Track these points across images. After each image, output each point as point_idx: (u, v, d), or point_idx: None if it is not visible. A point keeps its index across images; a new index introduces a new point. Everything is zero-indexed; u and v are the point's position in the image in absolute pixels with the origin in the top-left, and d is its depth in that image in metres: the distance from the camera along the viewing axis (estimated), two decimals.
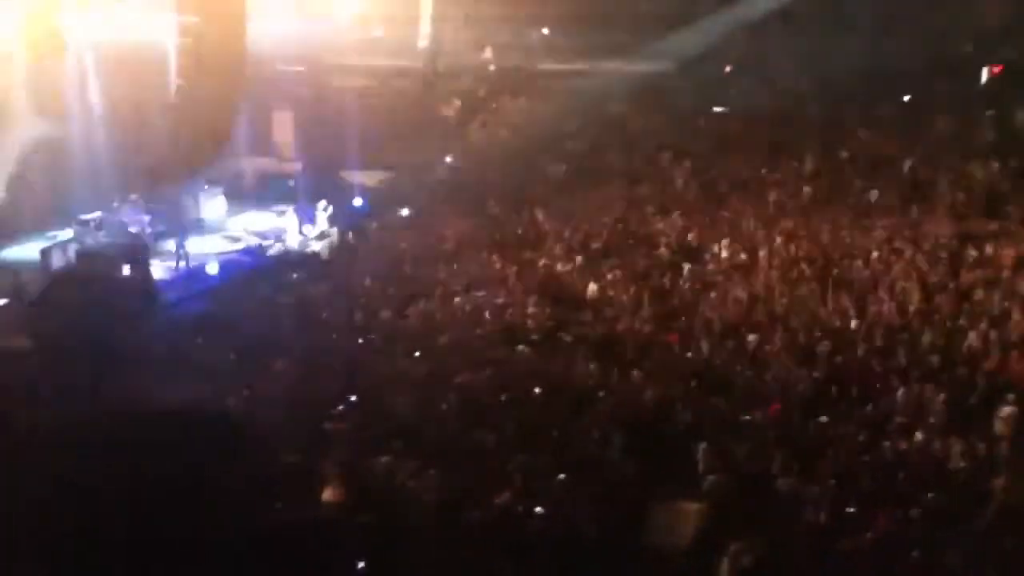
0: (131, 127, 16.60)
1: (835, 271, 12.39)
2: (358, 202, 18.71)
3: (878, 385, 9.07)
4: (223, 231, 17.59)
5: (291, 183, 19.29)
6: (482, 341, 10.57)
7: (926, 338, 10.04)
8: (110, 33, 15.35)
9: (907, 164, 17.00)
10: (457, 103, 22.70)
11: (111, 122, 16.35)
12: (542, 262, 13.63)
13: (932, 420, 8.33)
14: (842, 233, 14.03)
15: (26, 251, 15.19)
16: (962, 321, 10.42)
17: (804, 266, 12.65)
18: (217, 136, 15.78)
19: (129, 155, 16.48)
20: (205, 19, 14.09)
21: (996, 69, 21.18)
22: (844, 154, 17.96)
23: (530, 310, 11.49)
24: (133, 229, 16.25)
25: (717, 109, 21.47)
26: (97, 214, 16.07)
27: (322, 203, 17.20)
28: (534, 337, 10.70)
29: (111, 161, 16.41)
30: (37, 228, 15.56)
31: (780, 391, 8.94)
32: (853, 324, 10.59)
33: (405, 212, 17.95)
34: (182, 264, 15.23)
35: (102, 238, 15.64)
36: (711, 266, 13.22)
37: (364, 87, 21.19)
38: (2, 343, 9.75)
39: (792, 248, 13.46)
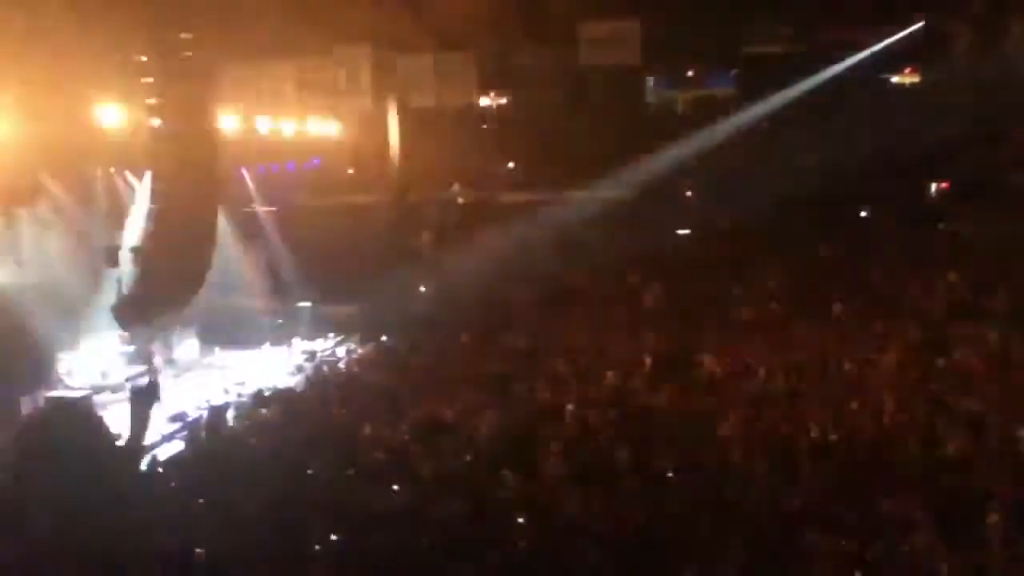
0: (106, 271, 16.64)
1: (806, 384, 12.53)
2: (331, 336, 18.78)
3: (862, 497, 9.02)
4: (197, 372, 17.49)
5: (262, 320, 19.35)
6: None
7: (906, 448, 10.07)
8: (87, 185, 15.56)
9: (871, 275, 17.54)
10: (427, 235, 23.24)
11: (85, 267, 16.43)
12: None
13: (918, 531, 8.26)
14: (812, 345, 14.26)
15: None
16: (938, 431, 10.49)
17: (780, 379, 12.76)
18: (189, 277, 15.96)
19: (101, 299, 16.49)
20: (177, 168, 14.49)
21: (944, 184, 22.29)
22: (809, 271, 18.48)
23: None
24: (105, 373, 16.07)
25: (680, 232, 22.17)
26: (73, 356, 15.92)
27: (295, 339, 17.24)
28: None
29: (85, 304, 16.38)
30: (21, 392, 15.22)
31: (765, 506, 8.85)
32: (832, 437, 10.62)
33: (383, 339, 18.01)
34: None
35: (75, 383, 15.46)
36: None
37: (335, 224, 21.63)
38: None
39: (767, 362, 13.62)
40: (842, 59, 23.23)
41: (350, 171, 23.81)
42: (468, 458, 10.48)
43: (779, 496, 9.21)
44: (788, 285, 17.81)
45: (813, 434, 10.87)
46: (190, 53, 14.87)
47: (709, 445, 10.67)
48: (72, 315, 16.09)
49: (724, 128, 23.56)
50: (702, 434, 11.00)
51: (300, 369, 16.80)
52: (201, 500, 9.35)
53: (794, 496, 9.28)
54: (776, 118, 23.07)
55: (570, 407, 12.32)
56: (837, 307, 16.34)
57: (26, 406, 13.98)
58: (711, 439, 10.84)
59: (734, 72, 24.74)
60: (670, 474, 9.93)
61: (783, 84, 23.27)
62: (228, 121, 18.30)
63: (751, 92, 23.72)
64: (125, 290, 15.32)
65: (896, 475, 9.57)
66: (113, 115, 14.97)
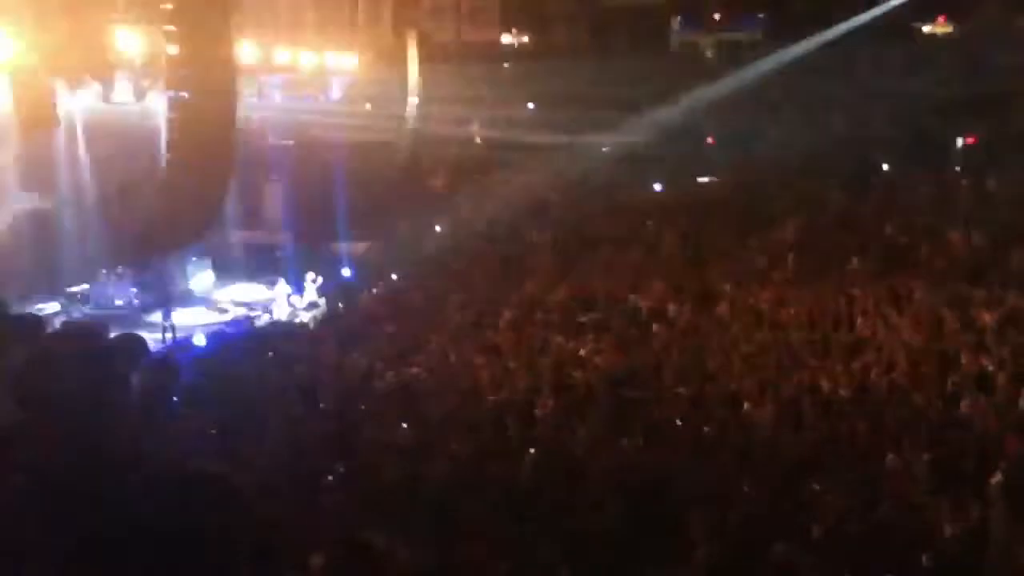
0: (120, 200, 16.72)
1: (821, 336, 12.50)
2: (346, 272, 18.82)
3: (868, 451, 9.06)
4: (210, 303, 17.61)
5: (279, 254, 19.43)
6: (475, 408, 10.52)
7: (915, 403, 10.08)
8: (100, 108, 15.57)
9: (888, 231, 17.33)
10: (444, 174, 23.09)
11: (100, 195, 16.46)
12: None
13: (923, 486, 8.30)
14: (826, 299, 14.18)
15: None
16: (949, 386, 10.48)
17: (792, 332, 12.74)
18: (206, 209, 15.87)
19: (117, 227, 16.56)
20: (196, 94, 14.32)
21: (969, 139, 21.84)
22: (824, 221, 18.28)
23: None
24: (119, 301, 16.23)
25: (701, 179, 21.93)
26: (84, 286, 16.05)
27: (310, 274, 17.28)
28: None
29: (99, 234, 16.49)
30: (24, 300, 15.49)
31: (771, 457, 8.91)
32: (842, 391, 10.63)
33: (393, 278, 18.06)
34: (168, 336, 15.19)
35: (88, 310, 15.63)
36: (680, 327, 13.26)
37: (352, 160, 21.52)
38: None
39: (780, 313, 13.58)
40: (872, 5, 22.64)
41: (367, 106, 23.56)
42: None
43: (783, 446, 9.28)
44: (806, 237, 17.63)
45: (823, 387, 10.89)
46: None
47: (718, 391, 10.74)
48: (90, 243, 16.24)
49: (749, 74, 23.12)
50: (709, 378, 11.07)
51: (314, 305, 16.91)
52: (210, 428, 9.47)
53: (799, 447, 9.35)
54: (802, 65, 22.58)
55: (583, 351, 12.40)
56: (853, 261, 16.20)
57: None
58: (721, 387, 10.90)
59: (761, 16, 24.17)
60: (678, 422, 10.01)
61: (811, 30, 22.74)
62: (246, 51, 18.07)
63: (777, 37, 23.22)
64: (141, 220, 15.38)
65: (903, 431, 9.60)
66: (132, 40, 14.81)
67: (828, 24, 22.61)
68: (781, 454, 9.08)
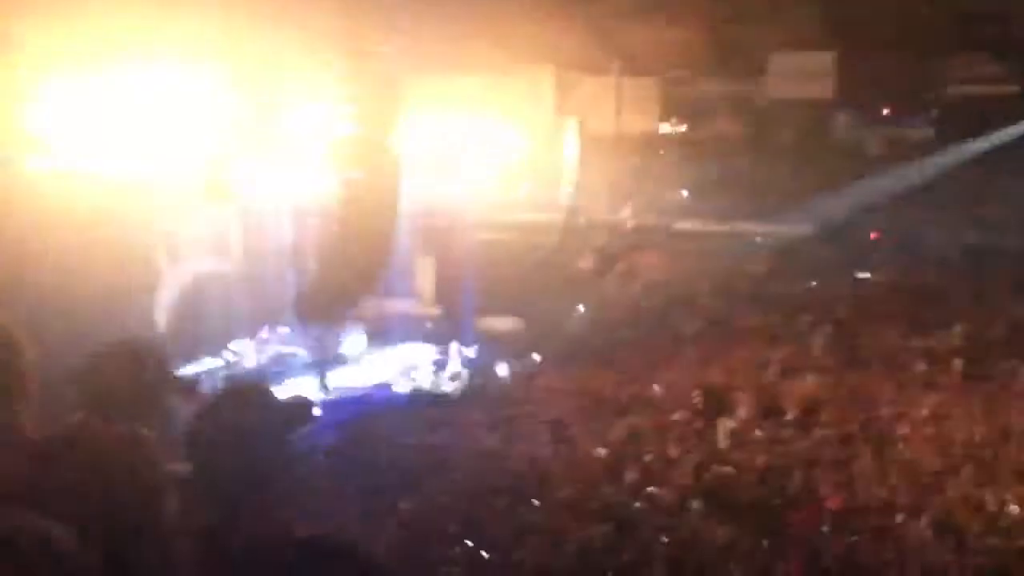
0: (288, 267, 17.76)
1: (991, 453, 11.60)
2: (489, 347, 19.13)
3: None
4: (361, 366, 18.27)
5: (428, 326, 20.01)
6: (606, 495, 10.36)
7: None
8: (276, 185, 16.73)
9: None
10: (593, 257, 23.21)
11: (270, 263, 17.55)
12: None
13: None
14: (998, 414, 13.19)
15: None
16: None
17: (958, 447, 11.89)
18: (366, 279, 16.60)
19: (283, 291, 17.56)
20: (365, 173, 15.14)
21: None
22: (997, 331, 17.09)
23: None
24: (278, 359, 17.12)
25: (861, 275, 21.08)
26: (248, 342, 17.05)
27: (455, 345, 17.69)
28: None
29: (266, 295, 17.52)
30: (193, 356, 16.55)
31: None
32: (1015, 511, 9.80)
33: (536, 359, 18.17)
34: (323, 395, 15.86)
35: (248, 366, 16.56)
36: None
37: (503, 239, 22.03)
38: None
39: (946, 426, 12.72)
40: None
41: (522, 188, 24.14)
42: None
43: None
44: (974, 343, 16.53)
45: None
46: (387, 64, 15.61)
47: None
48: (257, 306, 17.30)
49: (917, 171, 22.22)
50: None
51: (457, 376, 17.25)
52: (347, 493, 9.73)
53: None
54: (974, 164, 21.51)
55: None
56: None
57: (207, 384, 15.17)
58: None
59: (933, 113, 23.27)
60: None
61: (986, 129, 21.70)
62: (411, 132, 18.98)
63: (950, 135, 22.26)
64: (303, 287, 16.26)
65: None
66: (308, 118, 15.91)
67: (1003, 123, 21.53)
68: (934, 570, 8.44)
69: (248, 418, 2.61)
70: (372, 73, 15.50)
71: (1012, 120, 21.63)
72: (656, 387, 15.22)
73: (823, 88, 22.27)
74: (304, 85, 15.86)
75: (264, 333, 17.54)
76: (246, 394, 2.88)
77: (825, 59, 21.77)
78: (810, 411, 13.45)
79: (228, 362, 16.58)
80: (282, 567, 2.08)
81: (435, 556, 8.38)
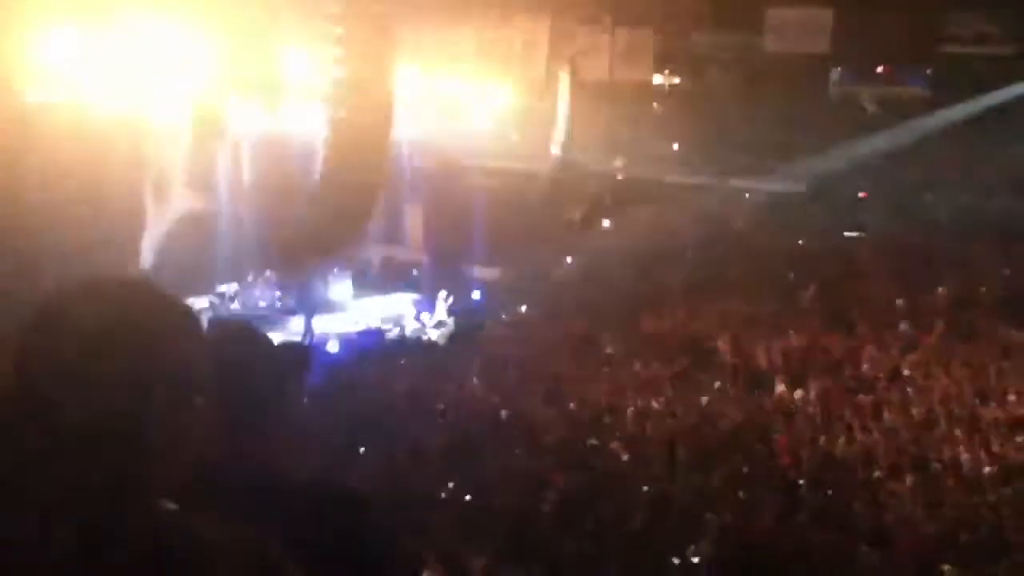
0: (274, 211, 17.62)
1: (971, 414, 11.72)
2: (476, 295, 19.15)
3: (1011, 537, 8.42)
4: (347, 313, 18.26)
5: (415, 272, 19.99)
6: (584, 442, 10.45)
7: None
8: (265, 123, 16.53)
9: None
10: (582, 207, 23.16)
11: (256, 204, 17.40)
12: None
13: None
14: (981, 374, 13.31)
15: None
16: None
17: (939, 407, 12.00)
18: (354, 225, 16.52)
19: (269, 235, 17.44)
20: (355, 116, 14.97)
21: None
22: (982, 290, 17.20)
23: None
24: (263, 303, 17.05)
25: (848, 234, 21.12)
26: (233, 286, 16.96)
27: (442, 293, 17.68)
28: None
29: (251, 239, 17.41)
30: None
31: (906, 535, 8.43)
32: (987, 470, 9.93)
33: (522, 309, 18.21)
34: (307, 340, 15.84)
35: (235, 309, 16.50)
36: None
37: (493, 187, 21.92)
38: None
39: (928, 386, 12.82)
40: None
41: (514, 137, 23.96)
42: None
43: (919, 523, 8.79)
44: (959, 303, 16.63)
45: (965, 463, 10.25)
46: (380, 8, 15.35)
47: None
48: (243, 248, 17.18)
49: (910, 131, 22.14)
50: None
51: (443, 324, 17.28)
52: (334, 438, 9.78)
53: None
54: (969, 125, 21.43)
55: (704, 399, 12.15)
56: (1012, 334, 15.14)
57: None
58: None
59: (928, 71, 23.09)
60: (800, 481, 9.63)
61: (982, 89, 21.58)
62: (403, 75, 18.74)
63: (945, 95, 22.13)
64: (289, 231, 16.16)
65: None
66: (299, 60, 15.67)
67: (1001, 83, 21.42)
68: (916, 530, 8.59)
69: (246, 358, 2.56)
70: (365, 17, 15.27)
71: (1007, 82, 21.54)
72: (640, 338, 15.30)
73: (819, 43, 22.09)
74: (298, 26, 15.61)
75: (250, 277, 17.43)
76: (241, 333, 2.83)
77: (824, 14, 21.56)
78: (791, 367, 13.56)
79: (213, 304, 16.52)
80: (280, 511, 2.07)
81: (419, 501, 8.45)
